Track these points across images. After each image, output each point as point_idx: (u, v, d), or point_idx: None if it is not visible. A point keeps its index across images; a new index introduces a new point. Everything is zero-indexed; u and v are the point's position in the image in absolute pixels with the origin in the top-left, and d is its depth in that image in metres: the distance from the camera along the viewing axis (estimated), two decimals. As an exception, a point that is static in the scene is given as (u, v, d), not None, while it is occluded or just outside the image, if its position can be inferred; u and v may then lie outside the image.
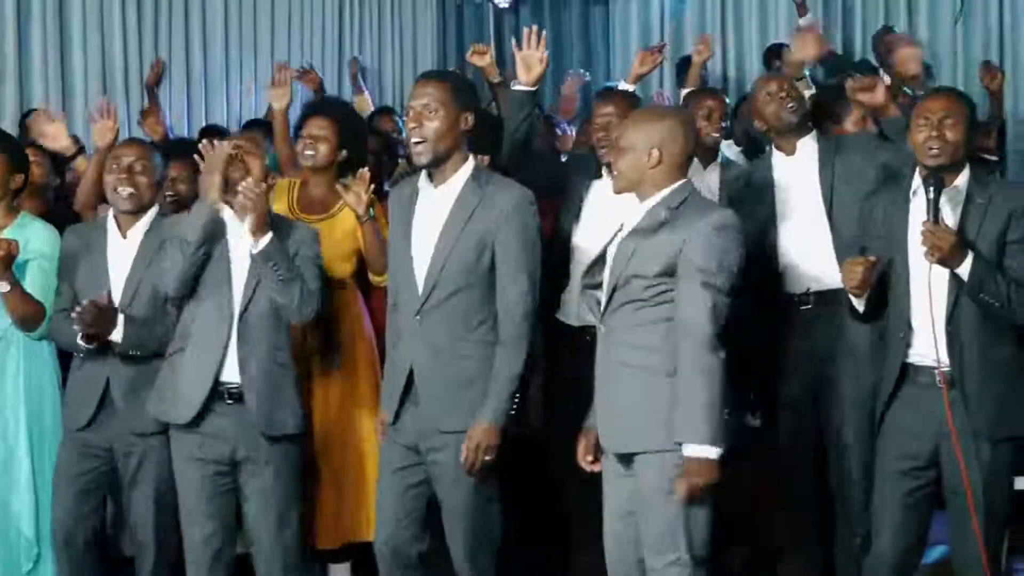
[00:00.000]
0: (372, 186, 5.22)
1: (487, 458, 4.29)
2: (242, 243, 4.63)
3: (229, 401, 4.64)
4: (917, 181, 4.40)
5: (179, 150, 5.74)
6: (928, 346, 4.31)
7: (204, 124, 8.63)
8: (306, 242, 4.75)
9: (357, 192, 5.19)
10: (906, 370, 4.39)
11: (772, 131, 5.33)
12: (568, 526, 5.31)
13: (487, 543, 4.45)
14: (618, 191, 4.24)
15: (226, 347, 4.64)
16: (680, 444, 3.95)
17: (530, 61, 5.04)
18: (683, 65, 8.47)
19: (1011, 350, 4.40)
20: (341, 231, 5.39)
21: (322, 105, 5.95)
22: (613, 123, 5.07)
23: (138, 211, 4.91)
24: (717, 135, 5.68)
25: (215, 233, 4.63)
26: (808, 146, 5.27)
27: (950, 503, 4.40)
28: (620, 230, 4.20)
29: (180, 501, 4.75)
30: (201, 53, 9.05)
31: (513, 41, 5.11)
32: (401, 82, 10.03)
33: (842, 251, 4.91)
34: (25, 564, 5.06)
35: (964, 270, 4.20)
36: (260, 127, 7.65)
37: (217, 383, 4.63)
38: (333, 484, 5.39)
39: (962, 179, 4.37)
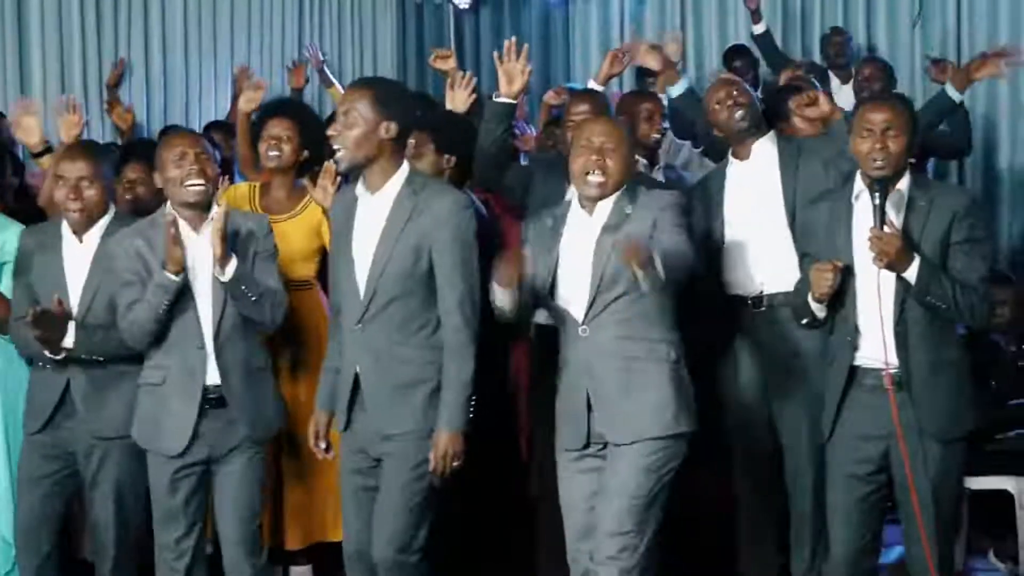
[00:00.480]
0: (339, 179, 5.23)
1: (455, 464, 4.33)
2: (200, 255, 4.59)
3: (206, 406, 4.63)
4: (859, 186, 4.46)
5: (138, 151, 5.72)
6: (875, 349, 4.37)
7: (164, 125, 8.60)
8: (260, 235, 4.71)
9: (324, 186, 5.20)
10: (853, 374, 4.44)
11: (727, 137, 5.34)
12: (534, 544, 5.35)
13: (410, 542, 4.38)
14: (607, 194, 4.31)
15: (205, 368, 4.62)
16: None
17: (512, 73, 5.08)
18: (646, 68, 8.49)
19: (957, 351, 4.48)
20: (304, 231, 5.40)
21: (282, 106, 5.95)
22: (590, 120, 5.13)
23: (91, 221, 4.87)
24: (658, 136, 5.73)
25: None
26: (764, 149, 5.27)
27: (902, 504, 4.44)
28: (558, 235, 4.35)
29: (154, 506, 4.72)
30: (160, 54, 8.98)
31: (495, 54, 5.14)
32: (361, 84, 9.97)
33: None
34: (3, 566, 5.06)
35: (911, 274, 4.27)
36: (220, 129, 7.67)
37: (203, 401, 4.63)
38: (300, 484, 5.39)
39: (903, 183, 4.43)
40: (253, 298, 4.57)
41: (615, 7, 10.11)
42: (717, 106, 5.31)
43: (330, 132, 4.43)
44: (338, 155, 4.38)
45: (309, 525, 5.45)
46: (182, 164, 4.60)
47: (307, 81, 8.59)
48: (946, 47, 9.03)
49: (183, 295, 4.57)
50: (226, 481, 4.68)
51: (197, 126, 8.51)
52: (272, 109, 5.73)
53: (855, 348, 4.42)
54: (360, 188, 4.44)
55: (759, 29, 8.58)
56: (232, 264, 4.53)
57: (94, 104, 8.50)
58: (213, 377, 4.62)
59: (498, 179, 5.27)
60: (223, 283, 4.55)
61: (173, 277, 4.52)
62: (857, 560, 4.51)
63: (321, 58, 9.14)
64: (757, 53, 8.87)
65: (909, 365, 4.34)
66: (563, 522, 4.47)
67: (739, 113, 5.23)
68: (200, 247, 4.57)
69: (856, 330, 4.41)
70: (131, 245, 4.66)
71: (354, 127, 4.32)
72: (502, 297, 4.28)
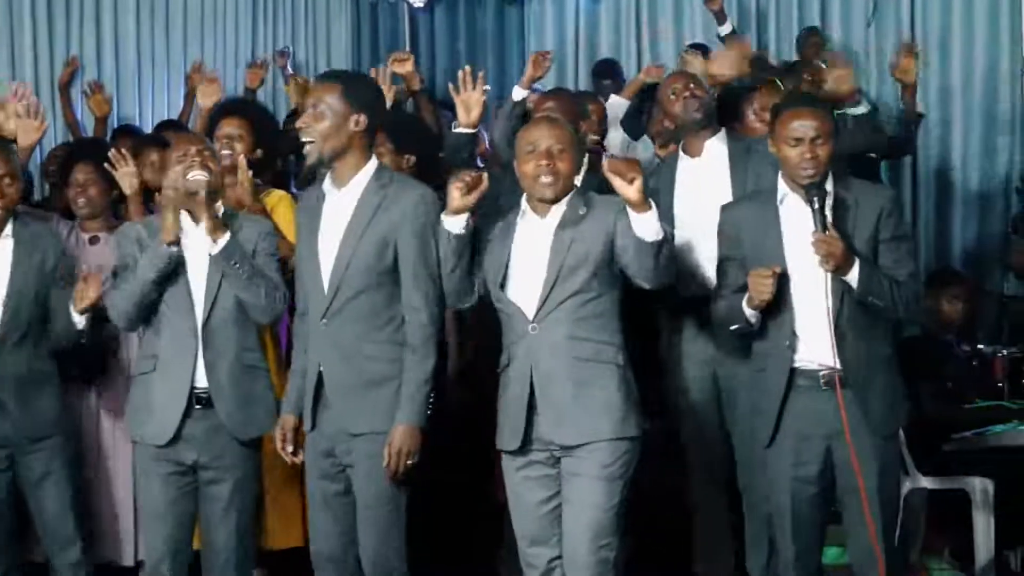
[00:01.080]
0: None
1: (409, 461, 4.27)
2: (196, 245, 4.55)
3: (198, 406, 4.57)
4: (784, 189, 4.46)
5: (88, 152, 5.66)
6: (813, 351, 4.38)
7: (116, 124, 8.52)
8: (263, 236, 4.68)
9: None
10: (792, 377, 4.43)
11: (679, 130, 5.31)
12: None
13: (396, 544, 4.38)
14: (560, 195, 4.25)
15: (195, 357, 4.56)
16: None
17: (469, 103, 5.10)
18: (601, 69, 8.50)
19: (888, 347, 4.50)
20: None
21: (234, 105, 5.89)
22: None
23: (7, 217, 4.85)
24: (597, 137, 5.81)
25: (172, 264, 4.54)
26: (715, 148, 5.23)
27: (846, 503, 4.44)
28: (509, 235, 4.30)
29: (141, 506, 4.74)
30: (113, 52, 8.94)
31: (450, 85, 5.15)
32: (316, 81, 9.94)
33: None
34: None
35: (853, 276, 4.29)
36: (174, 128, 7.58)
37: (191, 393, 4.57)
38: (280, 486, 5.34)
39: (828, 183, 4.43)
40: (244, 276, 4.51)
41: (570, 6, 10.08)
42: (672, 96, 5.27)
43: (298, 124, 4.36)
44: (307, 148, 4.33)
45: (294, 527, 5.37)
46: (184, 158, 4.58)
47: (262, 83, 8.50)
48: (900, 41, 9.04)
49: (177, 279, 4.54)
50: (213, 494, 4.60)
51: (149, 125, 8.46)
52: (224, 108, 5.67)
53: (793, 351, 4.41)
54: (327, 184, 4.41)
55: (725, 30, 8.54)
56: (225, 236, 4.49)
57: (44, 101, 8.35)
58: (200, 372, 4.55)
59: None
60: (213, 256, 4.50)
61: (165, 247, 4.47)
62: (806, 561, 4.51)
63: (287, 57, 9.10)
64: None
65: (850, 364, 4.34)
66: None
67: (693, 104, 5.19)
68: (199, 236, 4.53)
69: (794, 333, 4.40)
70: (132, 231, 4.66)
71: (323, 119, 4.29)
72: (453, 224, 4.25)
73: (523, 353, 4.24)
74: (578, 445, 4.16)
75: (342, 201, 4.37)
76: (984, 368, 6.90)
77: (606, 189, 4.26)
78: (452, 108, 8.80)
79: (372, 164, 4.40)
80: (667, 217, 5.04)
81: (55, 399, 4.91)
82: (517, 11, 10.30)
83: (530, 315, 4.21)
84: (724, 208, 4.70)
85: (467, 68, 5.17)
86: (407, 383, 4.31)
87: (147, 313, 4.57)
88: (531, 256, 4.25)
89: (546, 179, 4.22)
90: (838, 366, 4.34)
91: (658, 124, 6.48)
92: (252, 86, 8.21)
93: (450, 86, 5.16)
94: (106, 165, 5.35)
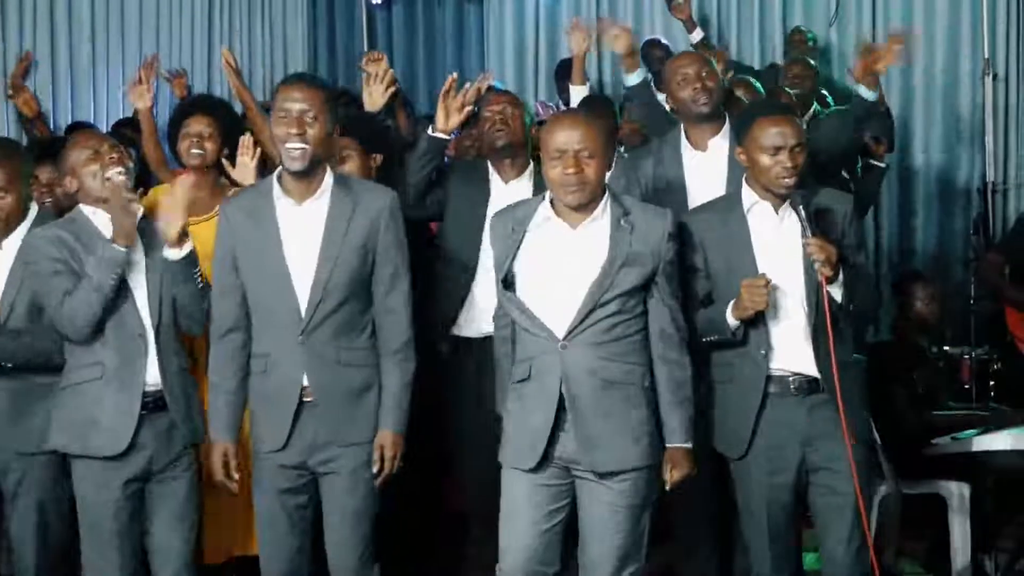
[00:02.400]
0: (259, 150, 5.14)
1: (400, 465, 4.27)
2: (136, 253, 4.44)
3: (142, 411, 4.44)
4: (752, 197, 4.43)
5: (48, 152, 5.51)
6: (787, 359, 4.36)
7: (71, 121, 8.41)
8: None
9: (243, 162, 5.09)
10: (767, 384, 4.39)
11: (682, 117, 5.21)
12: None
13: (371, 551, 4.38)
14: (584, 201, 4.09)
15: (146, 362, 4.44)
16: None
17: (451, 110, 5.04)
18: (564, 71, 8.42)
19: (851, 351, 4.51)
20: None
21: (202, 103, 5.73)
22: (509, 111, 5.16)
23: (8, 227, 4.70)
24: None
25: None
26: (719, 145, 5.11)
27: (820, 506, 4.43)
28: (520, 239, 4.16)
29: (87, 526, 4.49)
30: (67, 49, 8.80)
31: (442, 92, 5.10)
32: (272, 77, 9.79)
33: None
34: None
35: (839, 280, 4.27)
36: (129, 127, 7.46)
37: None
38: (215, 493, 5.21)
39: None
40: (200, 284, 4.43)
41: (530, 4, 10.01)
42: (682, 80, 5.12)
43: (284, 130, 4.21)
44: (294, 153, 4.20)
45: (230, 538, 5.25)
46: (98, 158, 4.49)
47: (189, 91, 8.33)
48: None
49: (125, 288, 4.42)
50: (166, 500, 4.51)
51: (105, 122, 8.38)
52: (191, 106, 5.54)
53: (768, 360, 4.37)
54: (277, 193, 4.29)
55: (696, 37, 8.46)
56: (189, 243, 4.40)
57: (-2, 95, 8.30)
58: (153, 374, 4.44)
59: (423, 207, 5.25)
60: (174, 262, 4.39)
61: (121, 249, 4.33)
62: (780, 568, 4.49)
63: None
64: (673, 48, 8.75)
65: (824, 370, 4.31)
66: (499, 535, 4.24)
67: (703, 99, 5.08)
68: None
69: (769, 343, 4.36)
70: (53, 235, 4.48)
71: (315, 125, 4.20)
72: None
73: (550, 370, 4.09)
74: (611, 472, 4.08)
75: (308, 211, 4.29)
76: (952, 370, 6.92)
77: None
78: (409, 105, 8.83)
79: (329, 173, 4.34)
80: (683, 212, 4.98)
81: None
82: (476, 8, 10.21)
83: (561, 335, 4.08)
84: (688, 216, 4.60)
85: (454, 75, 5.11)
86: (390, 388, 4.28)
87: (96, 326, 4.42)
88: (562, 270, 4.10)
89: (573, 186, 4.05)
90: (815, 373, 4.32)
91: (625, 129, 6.46)
92: (180, 96, 7.97)
93: (440, 93, 5.14)
94: None
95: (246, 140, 5.14)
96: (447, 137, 5.12)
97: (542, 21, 9.98)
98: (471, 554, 5.32)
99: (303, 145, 4.19)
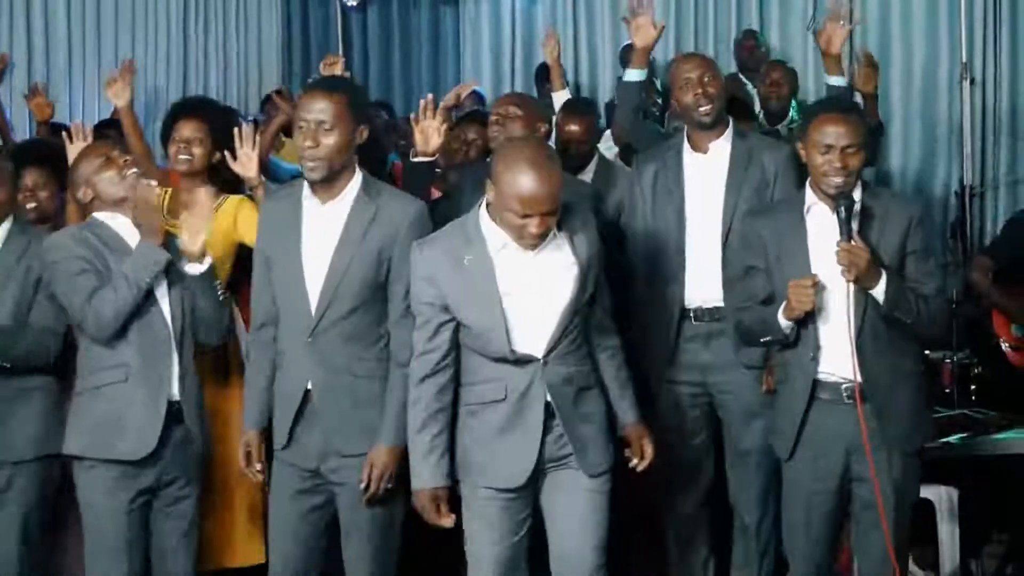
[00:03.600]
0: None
1: (388, 485, 4.18)
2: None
3: (179, 421, 4.44)
4: (811, 198, 4.39)
5: (34, 156, 5.45)
6: (836, 363, 4.31)
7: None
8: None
9: (246, 153, 5.03)
10: (814, 389, 4.36)
11: (684, 119, 5.16)
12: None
13: (388, 567, 4.34)
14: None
15: (171, 367, 4.42)
16: None
17: (429, 132, 4.97)
18: (543, 72, 8.41)
19: (914, 362, 4.45)
20: (216, 236, 5.16)
21: (193, 106, 5.68)
22: (512, 111, 5.05)
23: None
24: (585, 149, 5.73)
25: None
26: (720, 148, 5.06)
27: (859, 517, 4.40)
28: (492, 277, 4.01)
29: (94, 533, 4.41)
30: (44, 51, 8.79)
31: (412, 116, 5.04)
32: (245, 80, 9.84)
33: (729, 271, 4.85)
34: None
35: (879, 289, 4.21)
36: (112, 128, 7.39)
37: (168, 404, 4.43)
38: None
39: (856, 192, 4.36)
40: (222, 296, 4.44)
41: (506, 6, 10.02)
42: (685, 84, 5.05)
43: (301, 141, 4.17)
44: (310, 164, 4.15)
45: (219, 549, 5.20)
46: (111, 164, 4.48)
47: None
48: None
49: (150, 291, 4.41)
50: (172, 516, 4.49)
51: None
52: (183, 109, 5.46)
53: (817, 363, 4.34)
54: (307, 193, 4.25)
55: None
56: (209, 257, 4.40)
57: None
58: (175, 383, 4.41)
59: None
60: (195, 275, 4.39)
61: (161, 251, 4.35)
62: (817, 573, 4.47)
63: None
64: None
65: (871, 377, 4.27)
66: (468, 549, 4.18)
67: (705, 108, 5.01)
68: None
69: (817, 346, 4.33)
70: (77, 235, 4.46)
71: (331, 135, 4.13)
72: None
73: (532, 388, 4.02)
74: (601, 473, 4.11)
75: (330, 213, 4.23)
76: (933, 375, 6.92)
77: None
78: (387, 108, 8.81)
79: (359, 175, 4.27)
80: (679, 217, 4.99)
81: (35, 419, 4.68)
82: (452, 11, 10.22)
83: (540, 354, 4.02)
84: (749, 215, 4.62)
85: (429, 96, 5.03)
86: (392, 401, 4.20)
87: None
88: (531, 294, 4.01)
89: (536, 239, 3.95)
90: (859, 379, 4.26)
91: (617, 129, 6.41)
92: (42, 118, 7.78)
93: (411, 116, 5.05)
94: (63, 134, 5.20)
95: (246, 130, 5.06)
96: (430, 159, 5.04)
97: (518, 23, 10.03)
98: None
99: (317, 158, 4.14)
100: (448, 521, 4.06)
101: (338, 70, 6.13)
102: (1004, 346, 6.72)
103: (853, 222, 4.24)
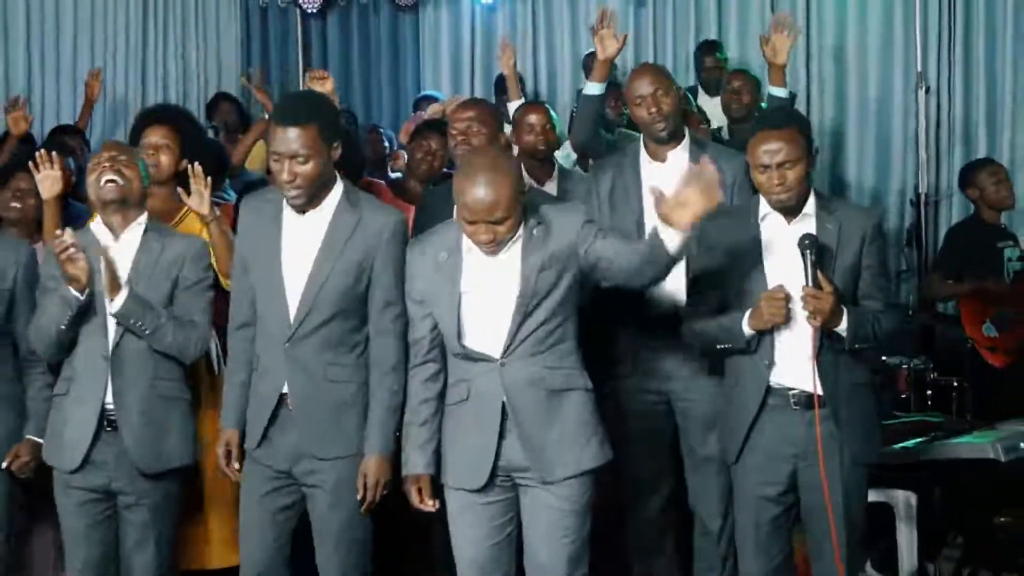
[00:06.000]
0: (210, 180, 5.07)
1: (384, 492, 4.24)
2: (117, 261, 4.49)
3: (109, 429, 4.48)
4: (765, 208, 4.43)
5: (25, 160, 5.41)
6: (789, 370, 4.37)
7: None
8: (193, 259, 4.59)
9: (199, 191, 5.01)
10: (767, 395, 4.41)
11: (641, 130, 5.20)
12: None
13: (360, 569, 4.37)
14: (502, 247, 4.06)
15: (106, 381, 4.47)
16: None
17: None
18: (501, 83, 8.45)
19: (867, 374, 4.51)
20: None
21: (159, 113, 5.64)
22: (472, 128, 5.07)
23: None
24: (544, 148, 5.70)
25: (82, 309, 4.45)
26: (678, 157, 5.08)
27: (810, 523, 4.44)
28: (457, 273, 4.09)
29: (62, 527, 4.62)
30: (3, 54, 8.71)
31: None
32: (205, 86, 9.82)
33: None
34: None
35: (842, 327, 4.27)
36: (68, 133, 7.39)
37: (102, 416, 4.48)
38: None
39: (809, 206, 4.42)
40: (147, 331, 4.44)
41: (465, 15, 10.01)
42: (639, 101, 5.08)
43: (277, 175, 4.19)
44: (291, 192, 4.19)
45: (191, 551, 5.21)
46: (96, 167, 4.52)
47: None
48: (795, 59, 9.09)
49: (95, 303, 4.45)
50: (129, 524, 4.55)
51: (42, 127, 8.28)
52: (150, 116, 5.46)
53: (770, 371, 4.39)
54: (286, 201, 4.28)
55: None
56: (120, 296, 4.40)
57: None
58: (110, 395, 4.47)
59: None
60: (112, 315, 4.43)
61: (76, 294, 4.36)
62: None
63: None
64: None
65: (829, 388, 4.32)
66: (454, 552, 4.26)
67: (659, 125, 5.05)
68: (119, 252, 4.48)
69: (772, 353, 4.38)
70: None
71: (307, 165, 4.15)
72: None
73: (489, 389, 4.08)
74: (564, 479, 4.08)
75: (311, 222, 4.27)
76: (890, 380, 7.01)
77: None
78: (351, 114, 8.82)
79: (339, 185, 4.30)
80: (637, 226, 4.98)
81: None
82: (412, 18, 10.19)
83: (497, 353, 4.07)
84: (703, 221, 4.63)
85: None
86: (377, 410, 4.25)
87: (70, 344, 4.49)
88: (488, 293, 4.08)
89: (490, 246, 4.03)
90: (817, 390, 4.31)
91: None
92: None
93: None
94: (30, 164, 5.16)
95: (198, 170, 5.03)
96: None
97: (478, 31, 10.00)
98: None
99: (297, 187, 4.18)
100: (430, 506, 4.17)
101: (328, 87, 6.04)
102: (981, 350, 6.85)
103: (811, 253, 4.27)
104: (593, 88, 5.57)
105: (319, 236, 4.25)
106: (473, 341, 4.08)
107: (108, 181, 4.47)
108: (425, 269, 4.13)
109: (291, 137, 4.13)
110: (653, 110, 5.04)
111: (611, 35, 5.51)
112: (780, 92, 5.79)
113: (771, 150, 4.31)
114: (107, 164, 4.50)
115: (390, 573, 5.31)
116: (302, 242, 4.26)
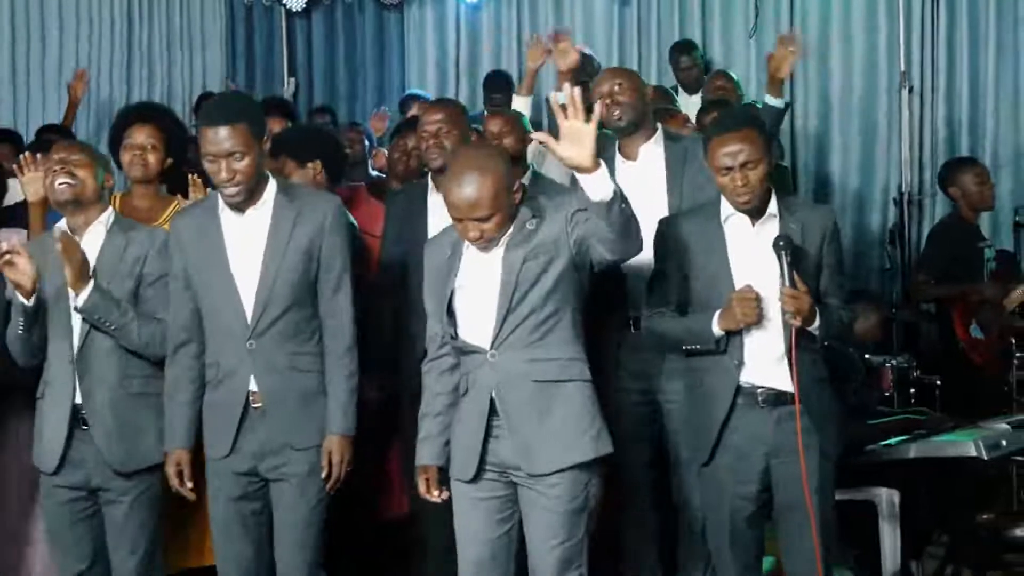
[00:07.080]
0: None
1: (349, 468, 4.35)
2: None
3: (84, 427, 4.50)
4: (728, 209, 4.45)
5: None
6: (759, 370, 4.40)
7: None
8: (153, 255, 4.58)
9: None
10: (737, 394, 4.43)
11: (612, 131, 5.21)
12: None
13: (318, 558, 4.43)
14: (499, 241, 4.08)
15: (74, 382, 4.50)
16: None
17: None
18: (493, 82, 8.44)
19: (826, 370, 4.54)
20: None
21: (144, 111, 5.61)
22: (443, 130, 5.13)
23: None
24: (520, 146, 5.68)
25: (42, 307, 4.48)
26: (652, 152, 5.11)
27: (784, 519, 4.47)
28: (454, 268, 4.15)
29: (47, 533, 4.69)
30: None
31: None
32: (190, 85, 9.82)
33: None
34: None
35: (815, 325, 4.32)
36: (57, 132, 7.38)
37: (76, 415, 4.51)
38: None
39: (772, 206, 4.45)
40: (113, 327, 4.45)
41: (451, 13, 10.03)
42: (598, 98, 5.02)
43: (213, 174, 4.27)
44: (230, 191, 4.27)
45: (183, 549, 5.21)
46: (48, 171, 4.57)
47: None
48: (780, 59, 9.13)
49: (61, 304, 4.48)
50: (109, 523, 4.57)
51: (27, 127, 8.27)
52: (134, 115, 5.44)
53: (740, 371, 4.41)
54: (221, 206, 4.36)
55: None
56: (85, 291, 4.40)
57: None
58: (77, 399, 4.50)
59: None
60: (77, 310, 4.44)
61: (22, 300, 4.40)
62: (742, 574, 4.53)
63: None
64: (598, 60, 8.79)
65: (800, 386, 4.33)
66: (457, 552, 4.25)
67: (616, 113, 5.06)
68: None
69: (741, 353, 4.40)
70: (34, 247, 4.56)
71: (243, 160, 4.24)
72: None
73: (482, 382, 4.11)
74: (549, 473, 4.05)
75: (251, 220, 4.36)
76: (873, 378, 7.03)
77: None
78: (331, 113, 8.82)
79: (272, 180, 4.40)
80: None
81: None
82: (397, 16, 10.22)
83: (487, 345, 4.09)
84: (665, 222, 4.65)
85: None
86: (336, 392, 4.36)
87: (43, 348, 4.53)
88: (479, 287, 4.11)
89: (482, 243, 4.08)
90: (789, 388, 4.34)
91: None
92: None
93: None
94: (14, 167, 5.17)
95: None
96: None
97: (463, 29, 10.04)
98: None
99: (236, 184, 4.26)
100: (436, 497, 4.23)
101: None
102: (969, 352, 6.90)
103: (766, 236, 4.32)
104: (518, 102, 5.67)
105: (263, 232, 4.34)
106: (466, 334, 4.13)
107: (60, 183, 4.51)
108: (434, 265, 4.22)
109: (223, 136, 4.22)
110: (608, 101, 5.04)
111: (569, 46, 5.59)
112: (776, 102, 5.79)
113: (731, 152, 4.33)
114: (57, 168, 4.54)
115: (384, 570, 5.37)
116: (247, 240, 4.35)
